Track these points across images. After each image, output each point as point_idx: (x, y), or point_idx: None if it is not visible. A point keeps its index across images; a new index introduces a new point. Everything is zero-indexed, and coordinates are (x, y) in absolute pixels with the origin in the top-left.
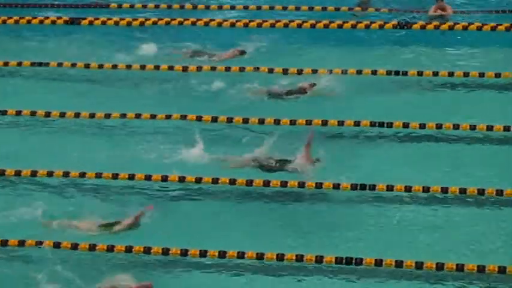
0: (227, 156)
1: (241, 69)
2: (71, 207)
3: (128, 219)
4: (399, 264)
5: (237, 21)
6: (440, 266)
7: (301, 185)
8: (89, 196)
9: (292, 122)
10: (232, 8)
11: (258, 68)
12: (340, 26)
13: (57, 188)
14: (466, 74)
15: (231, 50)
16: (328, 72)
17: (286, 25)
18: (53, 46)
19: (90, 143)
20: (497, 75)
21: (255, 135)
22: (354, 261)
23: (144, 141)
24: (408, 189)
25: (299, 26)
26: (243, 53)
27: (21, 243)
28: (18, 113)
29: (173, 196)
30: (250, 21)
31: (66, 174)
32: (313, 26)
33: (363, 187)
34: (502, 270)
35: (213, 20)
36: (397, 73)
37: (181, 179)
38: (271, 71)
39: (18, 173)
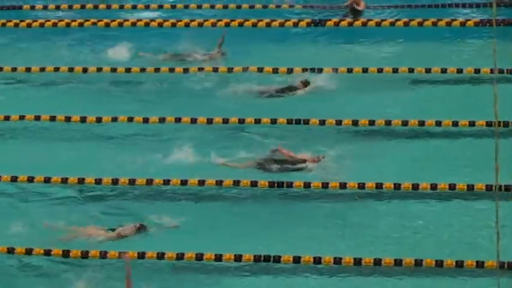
0: (229, 158)
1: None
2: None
3: (132, 225)
4: (318, 260)
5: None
6: (358, 261)
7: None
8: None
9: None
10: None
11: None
12: (254, 25)
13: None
14: (379, 70)
15: (213, 52)
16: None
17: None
18: None
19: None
20: (411, 70)
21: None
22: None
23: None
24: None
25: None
26: (223, 54)
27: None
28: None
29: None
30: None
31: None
32: (227, 24)
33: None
34: (418, 263)
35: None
36: (313, 70)
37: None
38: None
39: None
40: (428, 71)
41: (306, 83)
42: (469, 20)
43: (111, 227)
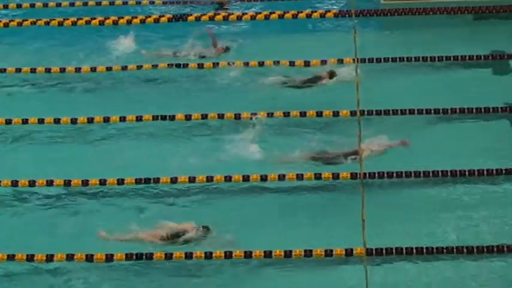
0: (280, 152)
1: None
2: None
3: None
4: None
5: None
6: (288, 254)
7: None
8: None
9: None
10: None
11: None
12: (115, 22)
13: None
14: (246, 64)
15: (218, 48)
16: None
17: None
18: None
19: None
20: (276, 63)
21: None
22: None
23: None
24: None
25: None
26: (227, 49)
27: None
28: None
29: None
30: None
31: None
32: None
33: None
34: (288, 254)
35: None
36: (178, 66)
37: (227, 178)
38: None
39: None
40: (292, 64)
41: (332, 74)
42: (329, 11)
43: (166, 231)
